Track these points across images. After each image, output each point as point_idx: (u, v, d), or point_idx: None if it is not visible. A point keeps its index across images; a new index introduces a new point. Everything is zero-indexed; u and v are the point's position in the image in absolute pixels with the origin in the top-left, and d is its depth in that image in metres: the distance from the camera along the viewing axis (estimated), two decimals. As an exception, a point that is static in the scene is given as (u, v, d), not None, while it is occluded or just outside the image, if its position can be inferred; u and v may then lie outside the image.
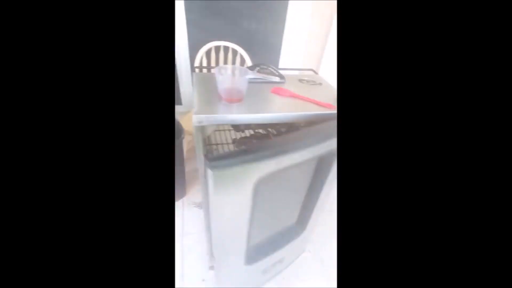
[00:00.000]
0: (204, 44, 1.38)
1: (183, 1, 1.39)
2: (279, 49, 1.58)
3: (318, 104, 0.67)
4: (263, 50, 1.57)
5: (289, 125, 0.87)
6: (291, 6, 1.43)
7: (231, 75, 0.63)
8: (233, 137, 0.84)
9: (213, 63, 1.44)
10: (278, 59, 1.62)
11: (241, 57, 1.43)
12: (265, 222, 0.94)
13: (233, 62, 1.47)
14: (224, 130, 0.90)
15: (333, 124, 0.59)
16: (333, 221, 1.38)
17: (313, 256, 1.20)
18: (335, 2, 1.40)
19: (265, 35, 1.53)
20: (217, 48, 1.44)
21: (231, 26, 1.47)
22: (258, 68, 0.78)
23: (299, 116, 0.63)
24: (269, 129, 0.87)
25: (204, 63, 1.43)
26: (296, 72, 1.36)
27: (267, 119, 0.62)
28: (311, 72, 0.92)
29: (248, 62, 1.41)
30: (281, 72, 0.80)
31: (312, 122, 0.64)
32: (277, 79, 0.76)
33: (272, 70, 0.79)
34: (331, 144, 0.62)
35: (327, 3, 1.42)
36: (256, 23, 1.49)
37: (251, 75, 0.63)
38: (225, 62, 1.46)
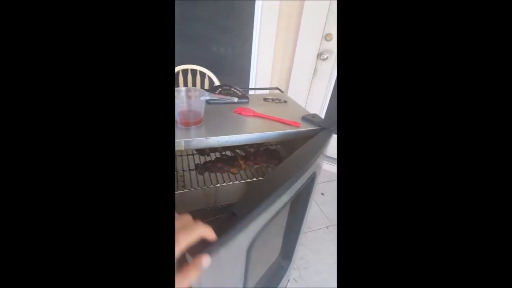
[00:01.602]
0: (171, 68, 1.35)
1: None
2: (248, 71, 1.59)
3: (282, 122, 0.63)
4: (233, 73, 1.57)
5: (257, 144, 0.83)
6: (256, 31, 1.46)
7: (185, 97, 0.58)
8: (197, 162, 0.78)
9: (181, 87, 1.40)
10: (248, 80, 1.63)
11: (210, 79, 1.41)
12: (255, 269, 0.80)
13: (202, 85, 1.44)
14: (187, 155, 0.84)
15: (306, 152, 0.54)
16: (315, 242, 1.32)
17: (299, 283, 1.11)
18: (298, 26, 1.46)
19: (234, 59, 1.53)
20: (185, 72, 1.42)
21: (200, 51, 1.47)
22: (220, 89, 0.75)
23: (262, 136, 0.59)
24: (237, 150, 0.82)
25: (172, 87, 1.38)
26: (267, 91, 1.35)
27: (226, 141, 0.57)
28: (277, 91, 0.91)
29: (216, 83, 1.39)
30: (247, 92, 0.77)
31: (280, 140, 0.60)
32: (239, 99, 0.73)
33: (235, 90, 0.76)
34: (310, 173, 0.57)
35: (291, 27, 1.48)
36: (225, 47, 1.50)
37: (209, 96, 0.59)
38: (194, 85, 1.43)
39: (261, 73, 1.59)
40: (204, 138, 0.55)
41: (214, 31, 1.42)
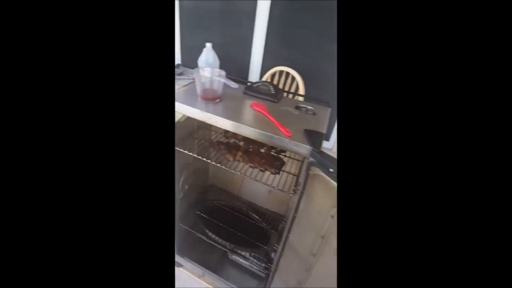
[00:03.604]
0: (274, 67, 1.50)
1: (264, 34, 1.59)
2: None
3: (278, 127, 0.60)
4: (324, 85, 1.50)
5: (263, 145, 0.81)
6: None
7: (208, 76, 0.68)
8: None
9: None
10: (334, 94, 1.49)
11: (297, 84, 1.44)
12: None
13: (289, 87, 1.49)
14: (208, 129, 0.94)
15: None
16: None
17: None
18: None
19: (330, 70, 1.46)
20: (281, 72, 1.52)
21: (299, 56, 1.50)
22: (259, 84, 0.79)
23: (243, 130, 0.60)
24: (240, 143, 0.83)
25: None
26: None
27: (215, 122, 0.62)
28: (325, 105, 0.82)
29: (301, 90, 1.39)
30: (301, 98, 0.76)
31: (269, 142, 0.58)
32: (267, 97, 0.75)
33: (271, 88, 0.77)
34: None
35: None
36: (322, 58, 1.45)
37: (224, 79, 0.66)
38: (283, 86, 1.51)
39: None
40: (203, 112, 0.63)
41: (318, 39, 1.41)
